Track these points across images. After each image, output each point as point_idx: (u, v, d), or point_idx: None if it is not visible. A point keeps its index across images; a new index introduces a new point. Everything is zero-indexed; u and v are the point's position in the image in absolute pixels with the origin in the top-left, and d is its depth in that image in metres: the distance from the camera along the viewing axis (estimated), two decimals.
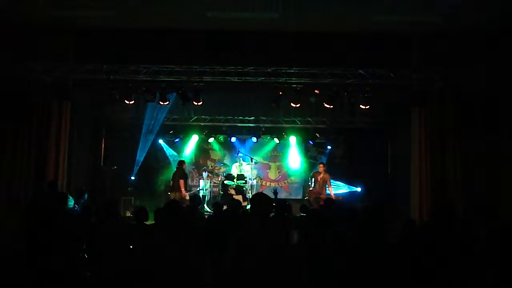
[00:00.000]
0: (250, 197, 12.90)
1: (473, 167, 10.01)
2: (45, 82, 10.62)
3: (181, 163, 12.55)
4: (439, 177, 10.24)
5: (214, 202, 9.36)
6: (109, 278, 5.15)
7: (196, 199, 8.30)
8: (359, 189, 14.03)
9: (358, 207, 6.45)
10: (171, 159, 14.65)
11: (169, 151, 14.79)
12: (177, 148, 14.93)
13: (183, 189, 11.97)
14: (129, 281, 4.37)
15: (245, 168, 13.83)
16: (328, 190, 12.04)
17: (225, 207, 8.35)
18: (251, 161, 13.72)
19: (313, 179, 12.30)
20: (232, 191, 13.05)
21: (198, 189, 13.78)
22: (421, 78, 10.53)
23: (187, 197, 11.19)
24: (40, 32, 10.25)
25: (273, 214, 6.84)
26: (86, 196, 8.74)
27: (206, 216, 9.06)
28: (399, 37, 10.45)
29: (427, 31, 10.13)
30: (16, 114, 10.38)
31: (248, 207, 10.62)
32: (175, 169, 12.67)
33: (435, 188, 10.20)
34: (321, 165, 12.49)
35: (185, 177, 12.28)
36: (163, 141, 14.74)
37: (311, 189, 12.31)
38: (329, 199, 9.39)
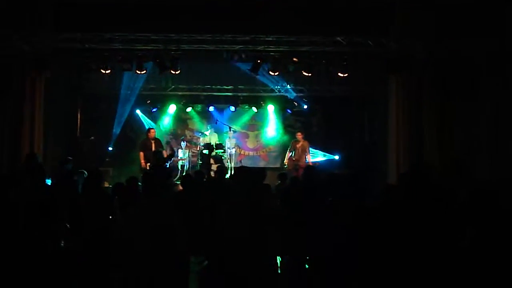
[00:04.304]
0: (230, 166, 12.99)
1: (449, 131, 10.20)
2: (22, 51, 10.35)
3: (147, 132, 12.29)
4: (416, 142, 10.41)
5: (196, 171, 9.37)
6: (92, 248, 5.15)
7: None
8: (336, 157, 14.18)
9: (339, 173, 6.55)
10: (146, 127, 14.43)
11: (146, 121, 14.64)
12: (155, 118, 14.82)
13: (142, 161, 11.64)
14: (113, 250, 4.39)
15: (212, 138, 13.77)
16: (307, 157, 12.11)
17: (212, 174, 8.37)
18: (230, 130, 13.70)
19: (292, 148, 12.33)
20: (211, 161, 13.03)
21: (178, 158, 13.70)
22: (401, 48, 10.55)
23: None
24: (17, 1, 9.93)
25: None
26: (70, 166, 8.65)
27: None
28: (376, 5, 10.40)
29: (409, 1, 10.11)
30: None
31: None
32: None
33: (413, 154, 10.37)
34: (299, 134, 12.51)
35: (145, 148, 11.79)
36: (140, 111, 14.62)
37: (289, 156, 12.35)
38: (309, 166, 9.49)
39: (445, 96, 10.31)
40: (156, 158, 10.74)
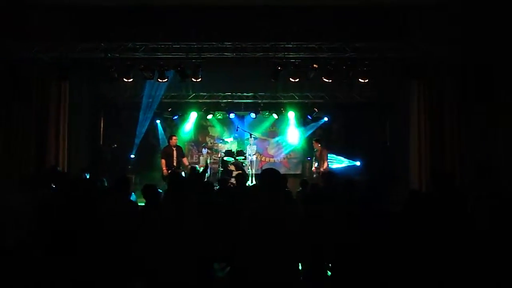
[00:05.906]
0: (251, 172, 13.03)
1: (471, 134, 10.09)
2: (42, 61, 10.57)
3: (168, 139, 12.26)
4: (438, 148, 10.33)
5: (221, 178, 9.40)
6: (114, 254, 5.20)
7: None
8: (358, 163, 14.10)
9: (358, 180, 6.54)
10: (161, 141, 14.60)
11: (162, 134, 14.76)
12: (176, 125, 14.95)
13: (164, 169, 11.63)
14: (136, 257, 4.44)
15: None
16: (324, 164, 11.99)
17: (232, 180, 8.41)
18: (250, 137, 13.75)
19: (315, 157, 12.27)
20: (232, 167, 13.10)
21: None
22: (419, 51, 10.49)
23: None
24: (37, 10, 10.14)
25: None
26: (87, 174, 8.79)
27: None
28: (396, 9, 10.38)
29: (423, 3, 10.06)
30: (14, 94, 10.35)
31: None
32: None
33: (434, 160, 10.29)
34: (315, 142, 12.41)
35: (167, 155, 11.79)
36: (160, 121, 14.76)
37: (315, 165, 12.25)
38: (327, 173, 9.48)
39: (466, 99, 10.21)
40: (192, 173, 10.72)
